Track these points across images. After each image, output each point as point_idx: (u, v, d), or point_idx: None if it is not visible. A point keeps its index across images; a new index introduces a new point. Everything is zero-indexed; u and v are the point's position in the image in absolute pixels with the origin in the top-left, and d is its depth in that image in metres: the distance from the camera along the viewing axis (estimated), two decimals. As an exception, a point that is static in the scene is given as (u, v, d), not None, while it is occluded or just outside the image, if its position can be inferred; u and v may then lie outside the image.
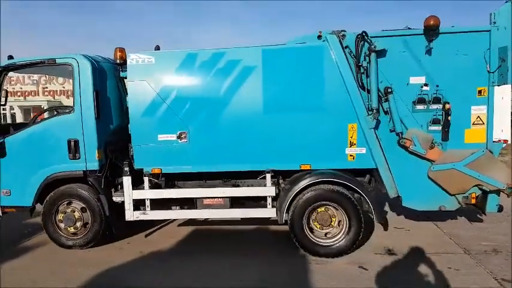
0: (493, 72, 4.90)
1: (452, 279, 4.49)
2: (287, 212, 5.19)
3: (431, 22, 4.80)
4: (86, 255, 5.53)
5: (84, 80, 5.35)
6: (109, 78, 5.64)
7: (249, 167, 5.37)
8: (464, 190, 5.07)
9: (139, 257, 5.44)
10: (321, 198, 5.16)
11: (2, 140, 5.56)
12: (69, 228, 5.65)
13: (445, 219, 6.63)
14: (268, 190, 5.31)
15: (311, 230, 5.31)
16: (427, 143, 5.02)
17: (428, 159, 5.05)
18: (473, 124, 5.04)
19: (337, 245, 5.22)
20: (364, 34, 4.93)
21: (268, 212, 5.41)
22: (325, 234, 5.31)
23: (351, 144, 5.14)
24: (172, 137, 5.31)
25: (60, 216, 5.65)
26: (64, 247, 5.69)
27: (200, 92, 5.28)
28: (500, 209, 5.22)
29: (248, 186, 5.56)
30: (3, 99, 5.79)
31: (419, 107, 5.03)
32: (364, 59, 4.94)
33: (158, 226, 6.77)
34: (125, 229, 6.05)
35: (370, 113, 4.95)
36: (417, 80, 5.02)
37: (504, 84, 4.86)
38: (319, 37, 5.18)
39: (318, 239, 5.26)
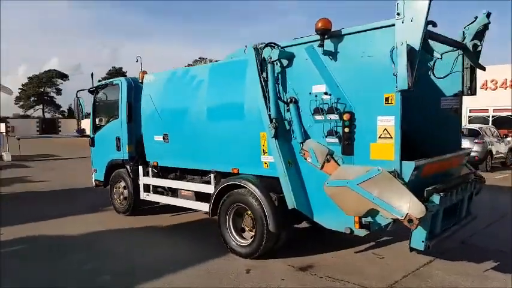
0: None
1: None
2: (214, 208, 5.75)
3: (319, 25, 4.50)
4: (119, 218, 7.72)
5: (122, 95, 7.49)
6: (140, 93, 7.55)
7: (203, 166, 6.25)
8: (359, 213, 4.36)
9: (128, 226, 7.14)
10: (236, 201, 5.48)
11: (93, 136, 8.40)
12: (118, 200, 7.96)
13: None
14: (209, 188, 6.02)
15: (243, 230, 5.66)
16: (322, 156, 4.62)
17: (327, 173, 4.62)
18: (379, 137, 4.29)
19: (247, 247, 5.40)
20: (267, 45, 5.01)
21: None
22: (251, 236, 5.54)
23: (264, 152, 5.27)
24: (160, 138, 6.78)
25: (114, 191, 8.03)
26: (116, 211, 8.02)
27: (173, 102, 6.57)
28: (428, 247, 4.20)
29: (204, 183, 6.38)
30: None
31: (318, 117, 4.70)
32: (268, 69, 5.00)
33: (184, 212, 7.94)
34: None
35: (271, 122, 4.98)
36: (319, 88, 4.70)
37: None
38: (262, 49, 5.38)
39: (235, 238, 5.57)
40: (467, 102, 22.94)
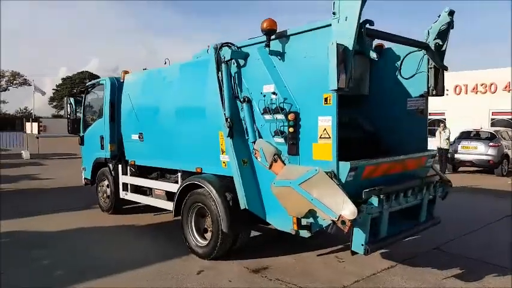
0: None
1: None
2: (177, 207, 5.80)
3: (264, 25, 4.49)
4: (103, 216, 7.90)
5: (106, 94, 7.68)
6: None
7: (172, 166, 6.33)
8: (301, 213, 4.31)
9: (107, 225, 7.30)
10: (196, 201, 5.49)
11: (82, 135, 8.64)
12: (102, 198, 8.15)
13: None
14: (175, 187, 6.08)
15: (205, 230, 5.66)
16: (270, 156, 4.59)
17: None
18: (320, 138, 4.24)
19: (204, 247, 5.40)
20: (224, 45, 5.04)
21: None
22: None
23: (222, 152, 5.27)
24: (136, 136, 6.91)
25: (99, 189, 8.22)
26: (101, 210, 8.21)
27: (147, 101, 6.70)
28: (367, 251, 4.10)
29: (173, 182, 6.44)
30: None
31: (267, 117, 4.68)
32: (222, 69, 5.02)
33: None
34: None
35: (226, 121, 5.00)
36: (268, 88, 4.68)
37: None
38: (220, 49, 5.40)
39: (196, 238, 5.58)
40: (490, 104, 22.47)
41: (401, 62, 5.31)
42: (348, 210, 3.82)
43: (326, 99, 4.13)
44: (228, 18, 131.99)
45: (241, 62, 5.01)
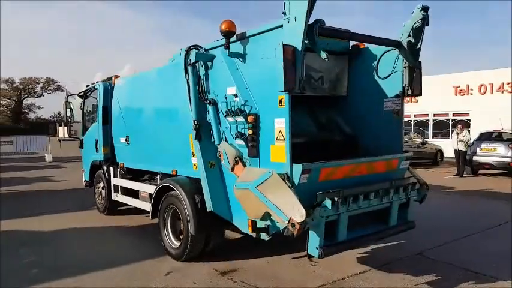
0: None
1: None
2: (154, 210, 5.88)
3: (223, 27, 4.49)
4: (98, 217, 8.08)
5: (99, 98, 7.88)
6: (115, 97, 7.91)
7: (153, 168, 6.42)
8: (258, 216, 4.27)
9: (98, 225, 7.50)
10: (170, 202, 5.54)
11: (82, 138, 8.91)
12: (98, 199, 8.36)
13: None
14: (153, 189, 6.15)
15: (181, 232, 5.70)
16: (232, 158, 4.58)
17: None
18: (276, 140, 4.19)
19: (177, 249, 5.45)
20: (192, 47, 5.08)
21: None
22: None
23: (193, 154, 5.30)
24: (124, 139, 7.05)
25: (95, 191, 8.44)
26: (98, 211, 8.43)
27: (132, 105, 6.83)
28: (321, 255, 4.03)
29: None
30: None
31: (230, 119, 4.68)
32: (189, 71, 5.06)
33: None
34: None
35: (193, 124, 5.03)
36: (231, 90, 4.68)
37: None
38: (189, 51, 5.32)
39: (171, 239, 5.63)
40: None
41: (378, 61, 5.19)
42: (297, 213, 3.76)
43: (281, 101, 4.09)
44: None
45: (209, 64, 5.03)
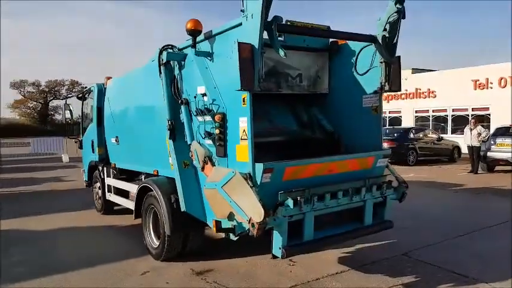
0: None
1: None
2: (137, 209, 5.93)
3: (188, 26, 4.48)
4: (95, 216, 8.20)
5: (94, 99, 8.02)
6: (108, 98, 8.02)
7: (138, 168, 6.49)
8: (225, 215, 4.24)
9: (92, 225, 7.61)
10: (150, 202, 5.57)
11: (81, 139, 9.09)
12: (95, 199, 8.51)
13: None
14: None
15: (164, 231, 5.74)
16: (202, 158, 4.57)
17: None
18: (241, 139, 4.14)
19: (156, 248, 5.48)
20: (165, 47, 5.08)
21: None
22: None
23: (170, 154, 5.30)
24: (114, 140, 7.14)
25: (93, 191, 8.59)
26: (96, 210, 8.59)
27: (120, 105, 6.90)
28: (284, 255, 3.98)
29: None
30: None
31: (200, 118, 4.65)
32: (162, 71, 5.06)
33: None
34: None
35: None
36: (200, 90, 4.66)
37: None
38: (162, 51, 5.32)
39: (152, 239, 5.66)
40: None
41: (356, 57, 5.08)
42: (255, 212, 3.72)
43: (244, 100, 4.04)
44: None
45: (182, 63, 5.02)
